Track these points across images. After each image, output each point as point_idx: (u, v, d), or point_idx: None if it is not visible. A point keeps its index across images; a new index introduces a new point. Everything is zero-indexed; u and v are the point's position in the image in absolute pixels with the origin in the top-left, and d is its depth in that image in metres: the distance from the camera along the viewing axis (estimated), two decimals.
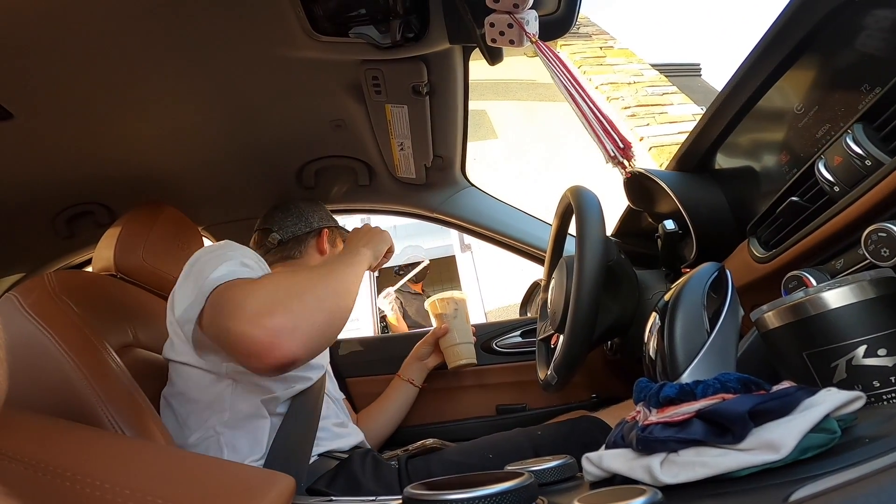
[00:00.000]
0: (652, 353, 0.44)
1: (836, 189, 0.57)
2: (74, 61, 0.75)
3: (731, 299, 0.43)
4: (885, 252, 0.50)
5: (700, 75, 7.35)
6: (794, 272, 0.62)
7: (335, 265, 0.72)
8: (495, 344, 1.27)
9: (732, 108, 0.79)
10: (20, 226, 1.12)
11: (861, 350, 0.43)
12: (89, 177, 1.03)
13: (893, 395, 0.42)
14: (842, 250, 0.60)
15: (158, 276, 0.90)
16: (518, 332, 1.30)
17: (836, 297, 0.45)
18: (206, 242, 1.17)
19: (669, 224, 0.84)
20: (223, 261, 0.66)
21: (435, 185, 1.25)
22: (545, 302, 0.99)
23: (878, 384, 0.42)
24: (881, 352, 0.43)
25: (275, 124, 1.01)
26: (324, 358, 0.94)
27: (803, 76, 0.68)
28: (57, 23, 0.67)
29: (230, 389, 0.71)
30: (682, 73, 7.39)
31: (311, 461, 0.71)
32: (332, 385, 0.92)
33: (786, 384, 0.39)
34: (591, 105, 0.62)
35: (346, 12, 0.73)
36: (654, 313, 0.52)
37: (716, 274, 0.50)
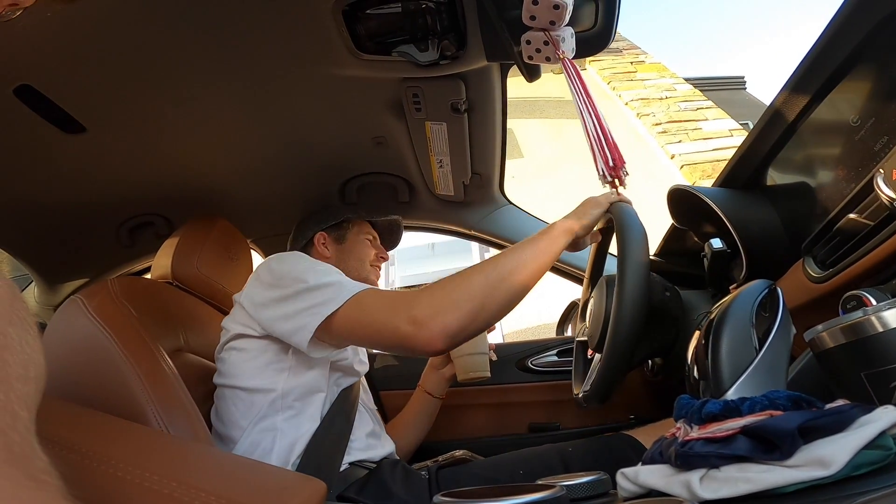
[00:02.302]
0: (696, 371, 0.42)
1: None
2: (141, 79, 0.82)
3: (782, 317, 0.41)
4: None
5: (744, 88, 7.12)
6: (853, 292, 0.58)
7: (513, 247, 0.75)
8: (530, 362, 1.25)
9: (783, 122, 0.76)
10: (88, 234, 1.21)
11: None
12: (151, 189, 1.11)
13: None
14: None
15: (210, 285, 0.95)
16: (554, 352, 1.27)
17: None
18: (254, 255, 1.23)
19: (717, 243, 0.81)
20: (325, 266, 0.78)
21: (473, 203, 1.26)
22: (584, 313, 0.97)
23: None
24: None
25: (320, 140, 1.06)
26: (364, 364, 0.96)
27: (858, 87, 0.66)
28: (126, 42, 0.74)
29: (286, 375, 0.77)
30: (724, 87, 7.17)
31: (342, 469, 0.72)
32: (366, 395, 0.93)
33: (840, 402, 0.36)
34: (594, 120, 0.64)
35: (387, 31, 0.77)
36: (697, 331, 0.51)
37: (766, 291, 0.48)
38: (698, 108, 4.37)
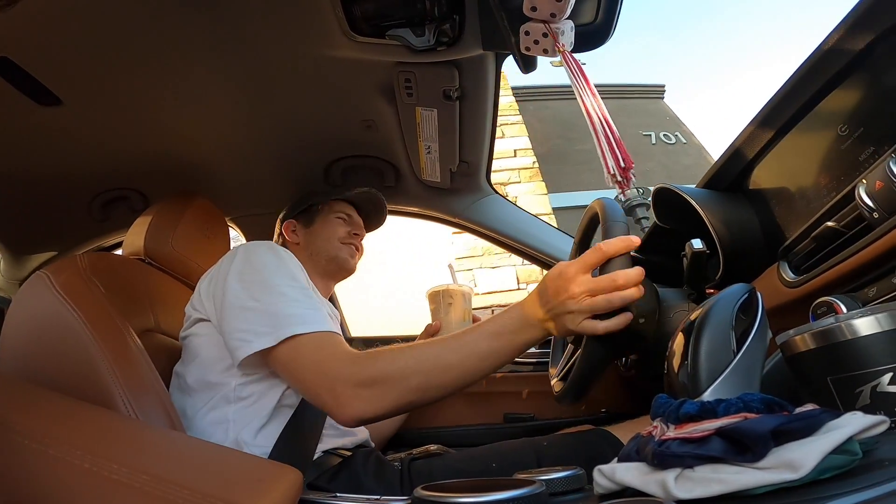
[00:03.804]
0: (674, 370, 0.43)
1: (876, 215, 0.55)
2: (121, 52, 0.78)
3: (760, 321, 0.43)
4: None
5: (662, 98, 7.20)
6: (824, 298, 0.60)
7: (470, 335, 0.65)
8: None
9: (773, 127, 0.77)
10: (58, 206, 1.17)
11: (887, 377, 0.43)
12: (128, 163, 1.07)
13: None
14: (875, 278, 0.58)
15: (185, 264, 0.93)
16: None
17: (868, 324, 0.45)
18: (233, 234, 1.20)
19: (697, 243, 0.82)
20: (296, 288, 0.72)
21: (459, 191, 1.25)
22: None
23: None
24: None
25: (307, 121, 1.03)
26: None
27: (850, 96, 0.66)
28: (106, 13, 0.70)
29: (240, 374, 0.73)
30: (641, 95, 7.25)
31: (315, 457, 0.72)
32: None
33: (809, 406, 0.38)
34: (603, 121, 0.63)
35: (383, 14, 0.75)
36: (679, 332, 0.51)
37: (746, 295, 0.49)
38: (501, 125, 4.02)
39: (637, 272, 0.62)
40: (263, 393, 0.74)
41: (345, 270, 1.03)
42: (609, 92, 6.63)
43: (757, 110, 0.78)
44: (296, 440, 0.71)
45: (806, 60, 0.68)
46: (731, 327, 0.42)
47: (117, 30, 0.73)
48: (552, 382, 0.91)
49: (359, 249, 1.06)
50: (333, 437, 0.76)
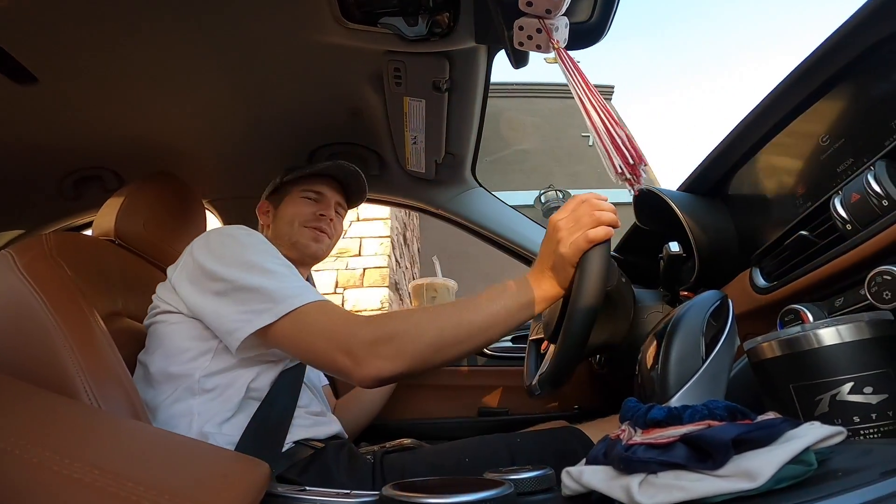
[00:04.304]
0: (646, 373, 0.44)
1: (849, 227, 0.57)
2: (101, 29, 0.75)
3: (729, 329, 0.44)
4: (887, 295, 0.50)
5: (610, 99, 7.24)
6: (792, 306, 0.62)
7: (482, 300, 0.66)
8: (485, 347, 1.27)
9: (756, 134, 0.78)
10: (28, 183, 1.12)
11: (847, 387, 0.45)
12: (103, 142, 1.03)
13: (871, 430, 0.44)
14: (843, 288, 0.59)
15: (156, 246, 0.90)
16: (509, 337, 1.30)
17: (833, 335, 0.46)
18: (209, 216, 1.17)
19: (674, 247, 0.84)
20: (282, 265, 0.71)
21: (443, 182, 1.25)
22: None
23: (858, 420, 0.44)
24: (867, 390, 0.44)
25: (292, 106, 1.01)
26: None
27: (834, 107, 0.67)
28: None
29: (209, 357, 0.72)
30: None
31: (286, 448, 0.71)
32: (313, 374, 0.91)
33: (771, 415, 0.39)
34: (605, 116, 0.60)
35: (377, 1, 0.73)
36: (652, 336, 0.52)
37: (717, 302, 0.51)
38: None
39: (603, 198, 0.65)
40: (229, 384, 0.72)
41: (307, 257, 0.97)
42: (554, 91, 6.64)
43: (742, 116, 0.79)
44: (264, 431, 0.70)
45: (793, 70, 0.69)
46: (702, 333, 0.43)
47: (97, 7, 0.70)
48: (525, 377, 0.92)
49: (325, 232, 0.98)
50: (305, 428, 0.75)
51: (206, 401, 0.70)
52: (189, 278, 0.74)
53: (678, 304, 0.89)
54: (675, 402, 0.41)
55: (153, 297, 0.79)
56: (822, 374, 0.46)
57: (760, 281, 0.72)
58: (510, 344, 1.30)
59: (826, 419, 0.44)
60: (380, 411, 1.13)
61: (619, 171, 0.58)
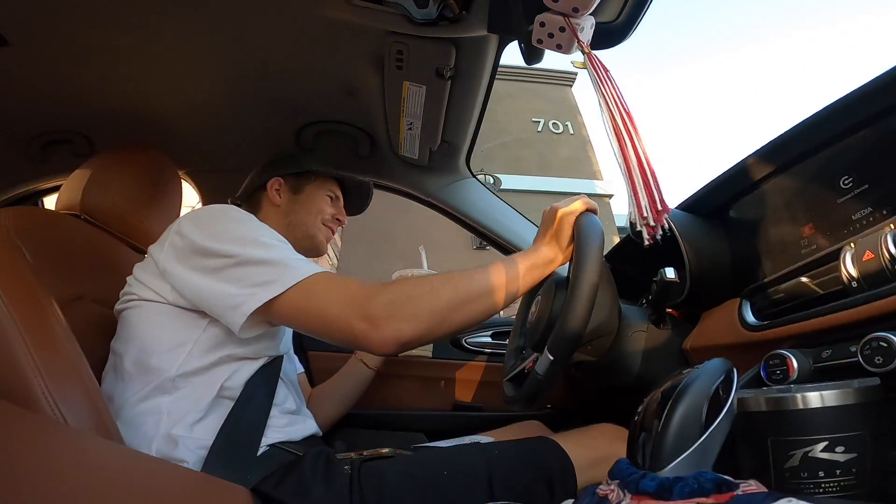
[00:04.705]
0: (648, 434, 0.43)
1: (855, 285, 0.55)
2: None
3: (731, 403, 0.43)
4: (878, 360, 0.49)
5: (570, 86, 7.18)
6: (779, 351, 0.61)
7: (491, 267, 0.70)
8: (464, 340, 1.26)
9: (774, 162, 0.73)
10: None
11: (821, 445, 0.46)
12: (76, 105, 0.95)
13: (832, 484, 0.46)
14: (834, 341, 0.58)
15: (127, 221, 0.84)
16: (489, 332, 1.29)
17: (821, 398, 0.47)
18: (186, 188, 1.10)
19: (670, 272, 0.82)
20: (280, 240, 0.71)
21: (436, 170, 1.20)
22: (525, 315, 0.98)
23: (823, 475, 0.46)
24: (839, 449, 0.46)
25: (284, 80, 0.94)
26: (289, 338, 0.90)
27: (865, 148, 0.62)
28: None
29: (188, 349, 0.68)
30: (547, 81, 7.13)
31: (261, 451, 0.68)
32: (288, 365, 0.88)
33: (752, 484, 0.38)
34: (638, 144, 0.54)
35: None
36: (659, 392, 0.51)
37: (726, 372, 0.50)
38: None
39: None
40: (202, 383, 0.69)
41: (316, 252, 0.97)
42: (514, 74, 6.50)
43: (764, 142, 0.74)
44: (238, 434, 0.67)
45: (832, 103, 0.63)
46: (707, 402, 0.42)
47: None
48: (504, 386, 0.92)
49: (333, 235, 1.00)
50: (280, 429, 0.72)
51: (176, 399, 0.67)
52: (180, 259, 0.70)
53: (663, 324, 0.89)
54: (668, 472, 0.40)
55: (128, 279, 0.74)
56: (801, 432, 0.47)
57: (750, 317, 0.72)
58: (488, 339, 1.29)
59: (794, 472, 0.46)
60: (353, 402, 1.10)
61: (644, 214, 0.54)
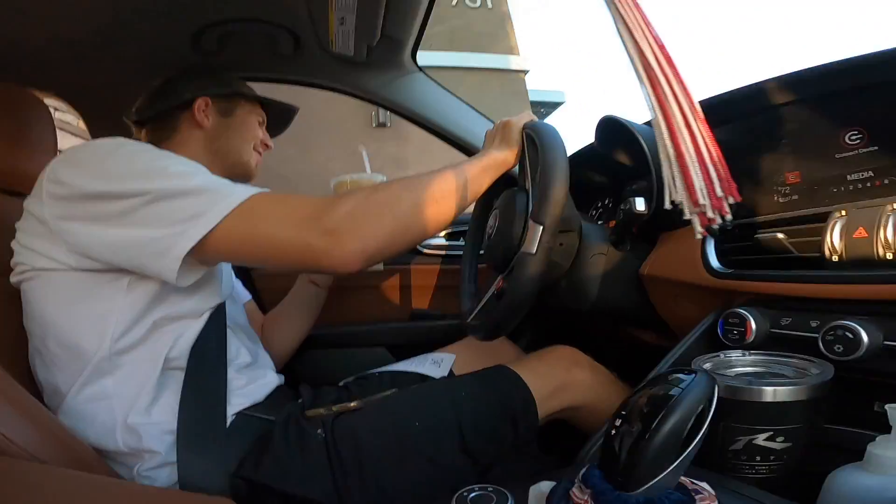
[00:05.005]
0: (621, 444, 0.43)
1: (835, 259, 0.53)
2: None
3: (707, 424, 0.43)
4: (838, 349, 0.51)
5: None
6: (739, 310, 0.61)
7: (446, 170, 0.68)
8: (418, 244, 1.22)
9: (780, 96, 0.64)
10: None
11: (765, 435, 0.50)
12: None
13: (763, 468, 0.51)
14: (797, 310, 0.58)
15: None
16: (442, 233, 1.25)
17: (775, 394, 0.49)
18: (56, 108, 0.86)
19: (640, 204, 0.78)
20: (199, 166, 0.62)
21: (376, 66, 1.01)
22: (476, 228, 0.94)
23: (759, 458, 0.51)
24: (779, 439, 0.50)
25: None
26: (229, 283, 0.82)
27: (885, 103, 0.53)
28: None
29: (114, 319, 0.60)
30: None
31: (229, 422, 0.65)
32: (233, 307, 0.81)
33: (706, 497, 0.42)
34: (690, 112, 0.39)
35: None
36: (648, 399, 0.51)
37: (711, 391, 0.50)
38: None
39: None
40: (144, 358, 0.62)
41: (248, 179, 0.87)
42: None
43: (774, 73, 0.64)
44: (201, 411, 0.63)
45: (865, 53, 0.54)
46: (691, 422, 0.42)
47: None
48: (464, 312, 0.91)
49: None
50: (241, 392, 0.68)
51: (120, 379, 0.61)
52: (67, 210, 0.57)
53: (622, 246, 0.87)
54: (640, 492, 0.42)
55: (14, 245, 0.61)
56: (750, 422, 0.50)
57: (714, 261, 0.69)
58: (443, 241, 1.26)
59: (736, 454, 0.51)
60: (310, 320, 1.07)
61: (699, 202, 0.40)
